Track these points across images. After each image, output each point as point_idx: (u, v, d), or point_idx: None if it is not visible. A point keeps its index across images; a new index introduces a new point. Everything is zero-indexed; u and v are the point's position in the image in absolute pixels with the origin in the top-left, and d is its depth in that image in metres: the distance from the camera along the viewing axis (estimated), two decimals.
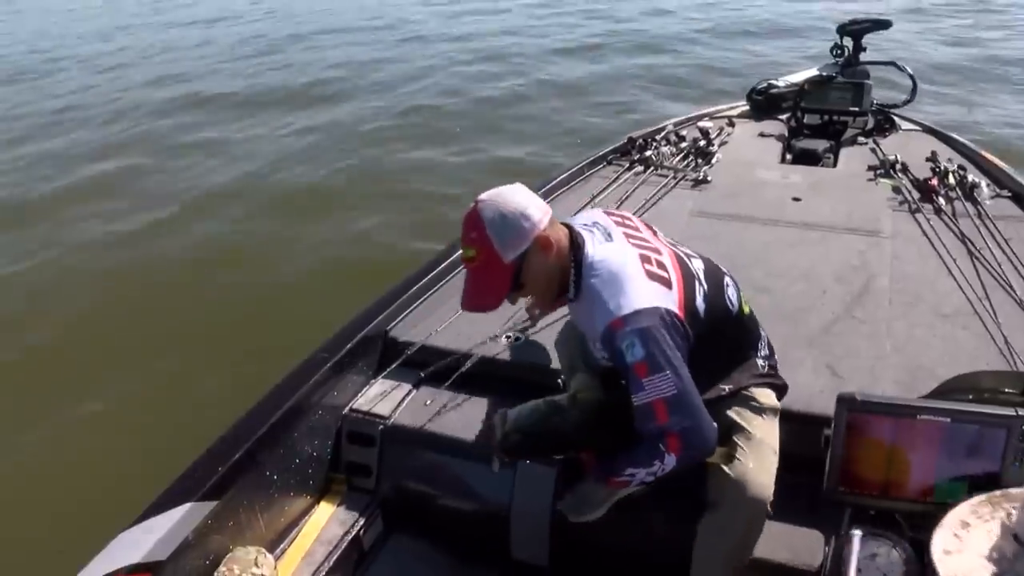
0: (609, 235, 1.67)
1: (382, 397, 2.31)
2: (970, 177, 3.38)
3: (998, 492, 0.83)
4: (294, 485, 2.09)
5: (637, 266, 1.58)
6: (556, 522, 2.00)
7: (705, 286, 1.67)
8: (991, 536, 0.78)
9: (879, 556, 1.50)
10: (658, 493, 1.94)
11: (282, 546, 2.02)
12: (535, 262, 1.57)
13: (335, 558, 2.01)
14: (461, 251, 1.60)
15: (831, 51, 4.67)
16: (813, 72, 4.60)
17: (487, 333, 2.42)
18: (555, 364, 2.23)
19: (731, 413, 1.71)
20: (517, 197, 1.57)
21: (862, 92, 4.20)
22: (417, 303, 2.64)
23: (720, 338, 1.71)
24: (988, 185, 3.36)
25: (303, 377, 2.17)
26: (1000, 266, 2.71)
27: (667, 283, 1.58)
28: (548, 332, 2.16)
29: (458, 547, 2.15)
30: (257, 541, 1.92)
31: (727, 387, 1.73)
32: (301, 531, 2.08)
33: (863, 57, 4.53)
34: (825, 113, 4.37)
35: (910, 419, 1.38)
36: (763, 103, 4.73)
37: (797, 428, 1.81)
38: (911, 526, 1.49)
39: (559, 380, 2.18)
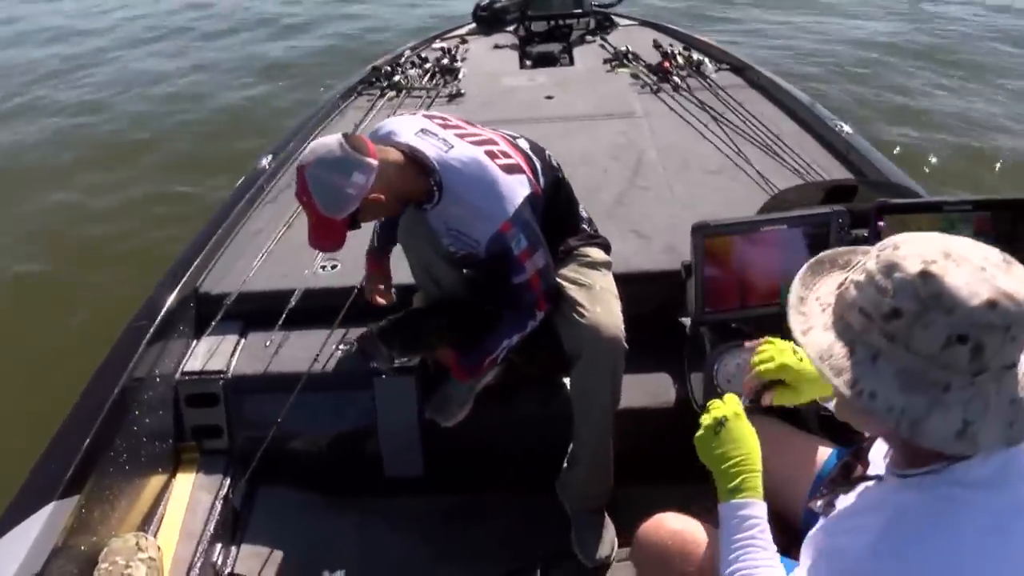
0: (446, 141, 1.72)
1: (211, 354, 2.16)
2: (695, 56, 3.81)
3: (811, 259, 0.94)
4: (147, 463, 1.92)
5: (490, 164, 1.68)
6: (425, 431, 2.03)
7: (536, 159, 1.80)
8: (823, 302, 0.88)
9: (741, 364, 1.71)
10: (517, 381, 2.04)
11: (153, 526, 1.86)
12: (367, 211, 1.65)
13: (212, 525, 1.88)
14: None
15: None
16: None
17: (300, 267, 2.34)
18: None
19: (568, 272, 1.85)
20: (339, 166, 1.57)
21: None
22: (220, 252, 2.48)
23: (556, 204, 1.85)
24: (711, 61, 3.81)
25: (126, 352, 1.97)
26: (741, 124, 3.12)
27: (519, 169, 1.71)
28: (359, 254, 2.15)
29: (330, 482, 2.10)
30: (130, 527, 1.76)
31: (560, 249, 1.87)
32: (168, 507, 1.92)
33: None
34: (551, 18, 4.63)
35: (755, 232, 1.58)
36: (489, 18, 4.89)
37: (632, 290, 1.96)
38: (759, 330, 1.72)
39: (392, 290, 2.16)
